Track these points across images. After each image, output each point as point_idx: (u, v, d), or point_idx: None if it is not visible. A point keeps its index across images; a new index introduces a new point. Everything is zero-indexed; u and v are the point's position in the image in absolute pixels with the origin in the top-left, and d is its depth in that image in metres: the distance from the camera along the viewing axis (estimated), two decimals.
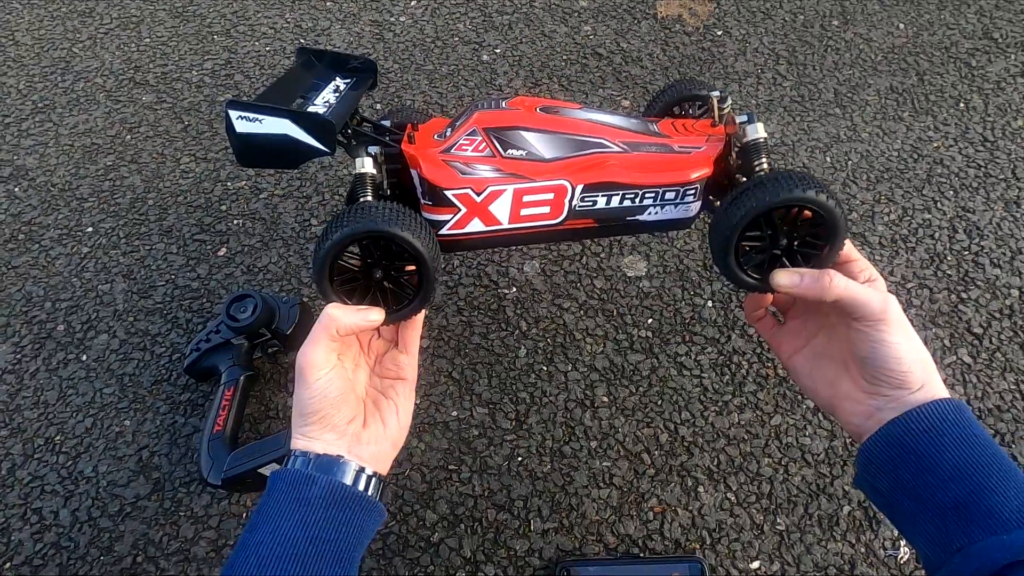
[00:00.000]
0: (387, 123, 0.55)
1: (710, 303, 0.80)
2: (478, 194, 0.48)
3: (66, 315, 0.80)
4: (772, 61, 1.05)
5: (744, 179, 0.48)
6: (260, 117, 0.43)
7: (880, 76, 1.03)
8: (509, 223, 0.50)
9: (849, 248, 0.47)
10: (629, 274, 0.83)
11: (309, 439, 0.45)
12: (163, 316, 0.80)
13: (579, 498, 0.68)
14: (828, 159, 0.93)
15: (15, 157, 0.95)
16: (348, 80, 0.54)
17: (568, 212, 0.50)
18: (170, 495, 0.68)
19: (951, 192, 0.90)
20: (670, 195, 0.50)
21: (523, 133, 0.49)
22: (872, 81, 1.02)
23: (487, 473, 0.69)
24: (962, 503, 0.38)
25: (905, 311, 0.46)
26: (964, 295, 0.81)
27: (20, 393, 0.75)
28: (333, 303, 0.45)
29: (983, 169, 0.92)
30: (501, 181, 0.48)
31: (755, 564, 0.64)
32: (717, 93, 0.52)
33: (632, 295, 0.81)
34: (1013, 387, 0.74)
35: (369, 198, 0.48)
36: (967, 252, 0.85)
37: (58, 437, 0.72)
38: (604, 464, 0.70)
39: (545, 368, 0.76)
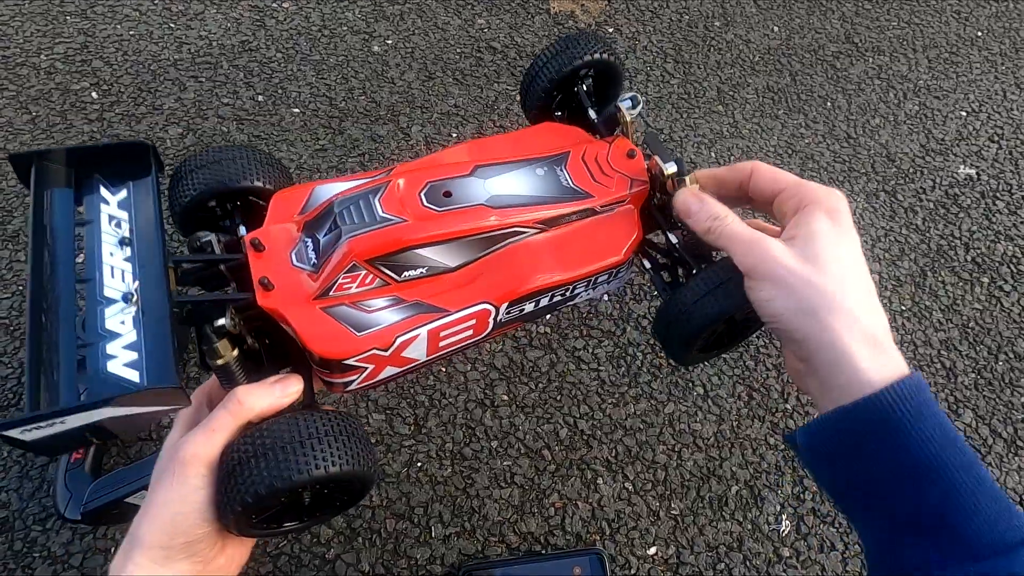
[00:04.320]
0: (209, 237, 0.39)
1: (606, 297, 0.82)
2: (386, 349, 0.38)
3: None
4: (660, 59, 1.08)
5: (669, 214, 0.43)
6: (56, 420, 0.29)
7: (758, 76, 1.09)
8: (428, 357, 0.42)
9: (773, 174, 0.40)
10: None
11: (150, 568, 0.34)
12: (8, 332, 0.71)
13: (481, 500, 0.67)
14: (713, 154, 0.98)
15: None
16: (117, 187, 0.37)
17: (493, 327, 0.42)
18: (21, 535, 0.60)
19: None
20: (603, 277, 0.44)
21: (416, 251, 0.39)
22: (751, 80, 1.08)
23: (385, 482, 0.67)
24: (921, 519, 0.32)
25: None
26: None
27: None
28: (243, 386, 0.36)
29: (847, 164, 1.00)
30: (409, 324, 0.38)
31: (652, 550, 0.66)
32: (628, 102, 0.44)
33: None
34: None
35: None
36: None
37: None
38: (505, 463, 0.69)
39: (444, 369, 0.74)
